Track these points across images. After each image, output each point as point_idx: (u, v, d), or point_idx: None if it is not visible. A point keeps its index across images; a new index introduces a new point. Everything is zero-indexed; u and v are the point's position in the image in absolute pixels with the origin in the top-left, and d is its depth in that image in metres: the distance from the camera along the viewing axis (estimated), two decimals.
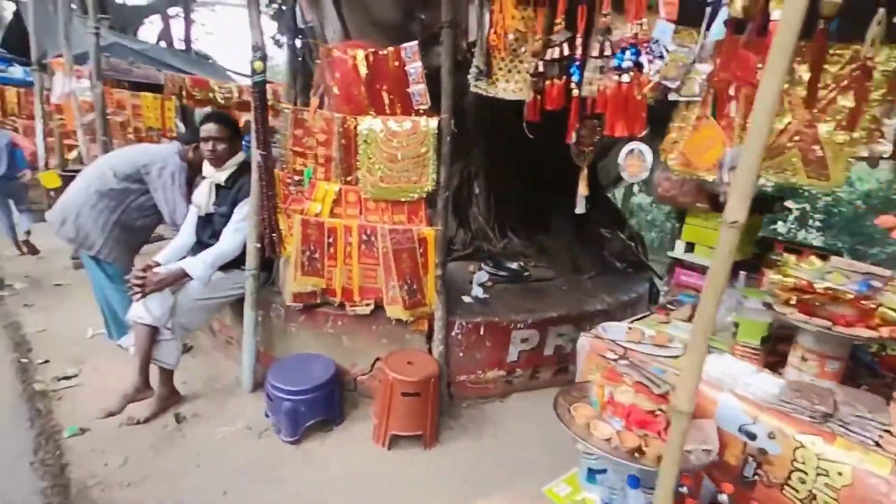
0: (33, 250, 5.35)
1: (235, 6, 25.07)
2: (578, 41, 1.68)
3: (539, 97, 1.88)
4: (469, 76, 2.20)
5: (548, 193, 4.00)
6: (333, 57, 2.29)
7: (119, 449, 2.40)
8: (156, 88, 7.57)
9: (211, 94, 5.54)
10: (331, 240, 2.51)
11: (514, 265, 3.40)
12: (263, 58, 2.26)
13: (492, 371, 2.92)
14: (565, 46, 1.71)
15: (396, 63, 2.26)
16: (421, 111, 2.34)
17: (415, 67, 2.25)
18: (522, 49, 1.90)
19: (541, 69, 1.82)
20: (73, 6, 13.94)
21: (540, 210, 3.97)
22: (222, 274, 2.70)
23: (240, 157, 2.73)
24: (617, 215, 4.52)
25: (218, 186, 2.73)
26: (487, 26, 1.90)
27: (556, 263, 3.68)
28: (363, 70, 2.25)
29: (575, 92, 1.73)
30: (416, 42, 2.26)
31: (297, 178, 2.49)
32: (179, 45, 14.39)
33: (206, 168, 2.72)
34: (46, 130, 6.76)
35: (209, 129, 2.63)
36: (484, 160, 3.64)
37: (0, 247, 5.33)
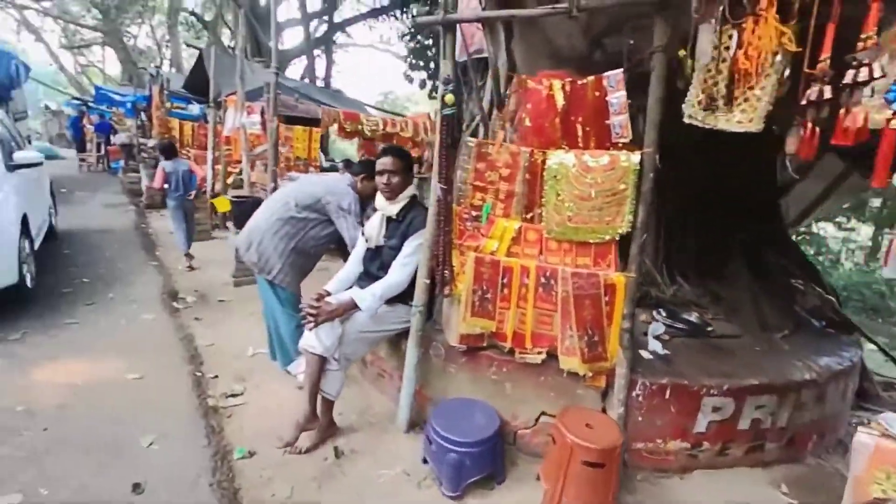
0: (191, 262, 5.96)
1: (365, 47, 27.23)
2: None
3: (817, 129, 1.54)
4: (685, 105, 1.93)
5: (723, 235, 3.52)
6: (526, 87, 2.17)
7: (284, 477, 2.39)
8: (302, 121, 8.29)
9: (359, 127, 5.86)
10: (505, 280, 2.34)
11: (691, 317, 2.97)
12: (455, 91, 2.20)
13: (673, 441, 2.51)
14: (875, 65, 1.37)
15: (597, 93, 2.06)
16: (620, 144, 2.11)
17: (617, 97, 2.04)
18: (788, 72, 1.59)
19: (826, 95, 1.49)
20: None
21: (714, 253, 3.50)
22: (387, 307, 2.65)
23: (411, 189, 2.70)
24: (805, 262, 3.86)
25: (389, 219, 2.71)
26: (734, 47, 1.63)
27: (737, 317, 3.17)
28: (560, 100, 2.08)
29: (894, 123, 1.37)
30: (620, 70, 2.06)
31: (474, 213, 2.37)
32: (319, 82, 15.84)
33: (379, 200, 2.72)
34: (215, 159, 7.65)
35: (385, 162, 2.64)
36: (654, 196, 3.29)
37: (173, 261, 5.98)
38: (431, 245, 2.46)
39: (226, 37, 21.34)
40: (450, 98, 2.19)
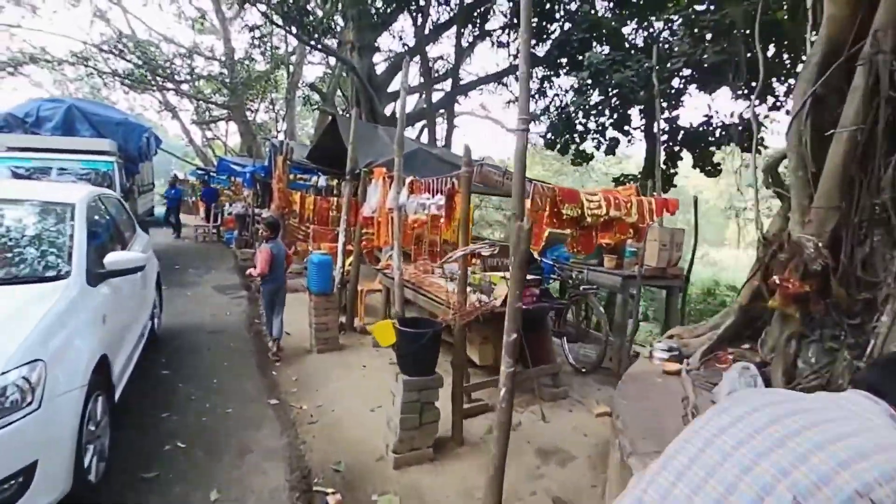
0: (277, 354, 5.10)
1: (464, 115, 26.73)
2: None
3: None
4: None
5: None
6: None
7: None
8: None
9: (579, 210, 3.96)
10: None
11: None
12: None
13: None
14: None
15: None
16: None
17: None
18: None
19: None
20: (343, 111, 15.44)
21: None
22: None
23: None
24: None
25: None
26: None
27: None
28: None
29: None
30: None
31: None
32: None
33: None
34: (347, 240, 6.14)
35: None
36: None
37: (294, 390, 4.28)
38: None
39: (339, 108, 21.58)
40: None
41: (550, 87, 14.04)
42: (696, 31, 6.78)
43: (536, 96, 14.75)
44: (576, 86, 7.27)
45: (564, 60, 9.18)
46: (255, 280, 8.51)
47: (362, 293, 6.40)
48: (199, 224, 15.17)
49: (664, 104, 8.77)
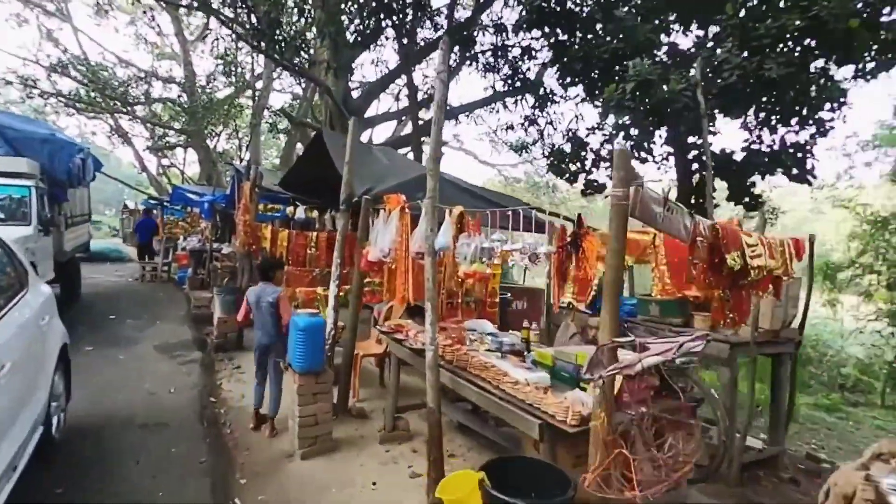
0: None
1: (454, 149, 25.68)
2: None
3: None
4: None
5: None
6: None
7: None
8: None
9: (741, 260, 2.56)
10: None
11: None
12: None
13: None
14: None
15: None
16: None
17: None
18: None
19: None
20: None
21: None
22: None
23: None
24: None
25: None
26: None
27: None
28: None
29: None
30: None
31: None
32: None
33: None
34: (339, 291, 4.59)
35: None
36: None
37: None
38: None
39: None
40: None
41: (542, 116, 13.10)
42: (746, 41, 5.84)
43: (525, 123, 13.78)
44: (613, 102, 6.10)
45: (574, 79, 8.17)
46: (212, 336, 6.84)
47: (357, 359, 4.83)
48: (148, 262, 13.14)
49: (686, 126, 7.75)
